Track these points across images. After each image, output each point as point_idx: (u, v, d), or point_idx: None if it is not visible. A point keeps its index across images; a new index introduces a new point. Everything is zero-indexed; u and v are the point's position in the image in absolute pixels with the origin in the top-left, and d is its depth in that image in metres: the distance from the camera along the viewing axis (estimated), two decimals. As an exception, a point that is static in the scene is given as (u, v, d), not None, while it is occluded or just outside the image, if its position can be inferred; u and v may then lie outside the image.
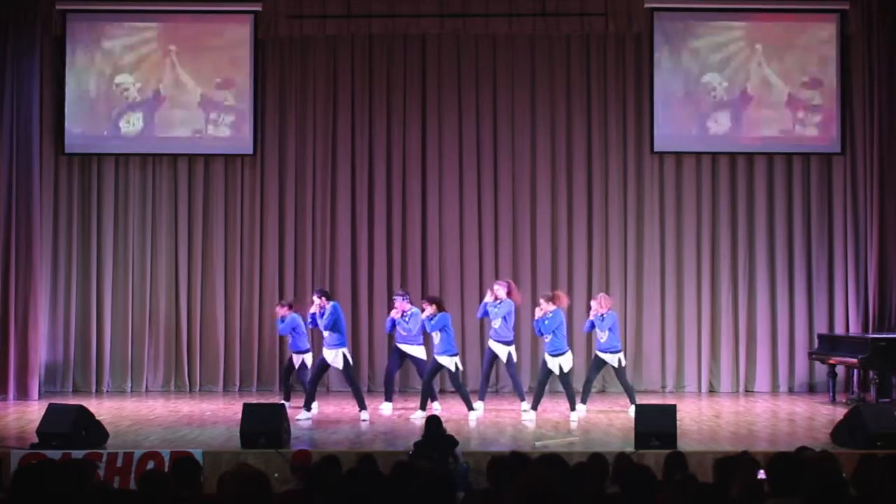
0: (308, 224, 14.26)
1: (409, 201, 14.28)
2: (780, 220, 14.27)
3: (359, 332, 14.02)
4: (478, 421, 11.21)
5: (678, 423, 9.45)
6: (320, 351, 11.72)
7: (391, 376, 12.26)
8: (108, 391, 14.04)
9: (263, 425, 9.28)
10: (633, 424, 9.45)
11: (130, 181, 14.31)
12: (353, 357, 13.96)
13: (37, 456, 8.42)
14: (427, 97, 14.33)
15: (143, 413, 11.94)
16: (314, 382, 11.66)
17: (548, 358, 11.37)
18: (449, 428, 9.11)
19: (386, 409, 11.89)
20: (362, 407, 11.30)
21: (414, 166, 14.31)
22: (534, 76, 14.36)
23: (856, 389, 13.39)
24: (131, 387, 14.10)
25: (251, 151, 14.24)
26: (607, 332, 11.65)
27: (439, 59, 14.37)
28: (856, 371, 13.29)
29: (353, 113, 14.33)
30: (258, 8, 14.15)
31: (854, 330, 13.84)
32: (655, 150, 14.21)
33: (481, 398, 11.96)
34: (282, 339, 13.42)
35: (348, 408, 12.17)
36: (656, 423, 9.31)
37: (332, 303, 11.51)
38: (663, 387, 14.15)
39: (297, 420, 10.97)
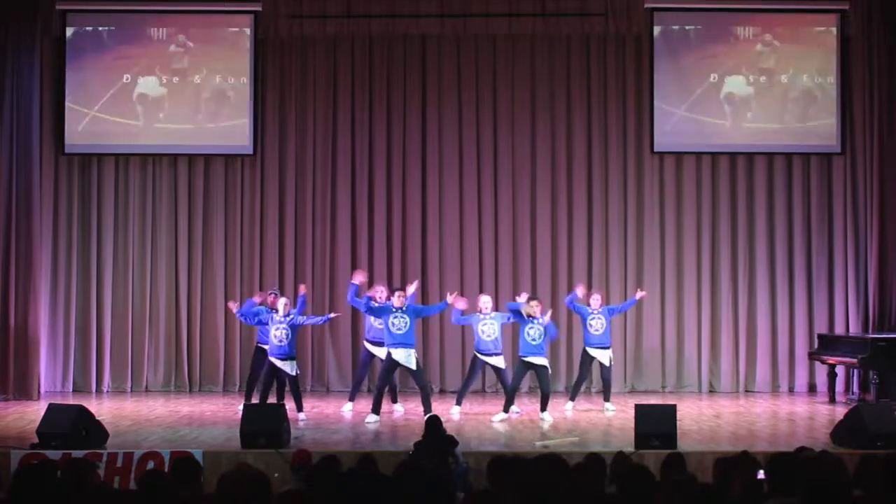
0: (308, 224, 14.26)
1: (408, 201, 14.29)
2: (780, 220, 14.27)
3: (359, 331, 13.98)
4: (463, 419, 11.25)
5: (678, 423, 9.45)
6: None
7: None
8: (108, 391, 14.04)
9: (263, 425, 9.28)
10: (633, 424, 9.45)
11: (130, 181, 14.31)
12: (354, 358, 14.03)
13: (37, 456, 8.41)
14: (427, 97, 14.34)
15: (143, 413, 11.94)
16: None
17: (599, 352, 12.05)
18: (449, 428, 9.11)
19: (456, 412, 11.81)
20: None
21: (414, 166, 14.32)
22: (534, 76, 14.36)
23: (856, 389, 13.40)
24: (131, 387, 14.09)
25: (251, 151, 14.25)
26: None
27: (439, 59, 14.37)
28: (856, 371, 13.30)
29: (353, 113, 14.33)
30: (258, 8, 14.15)
31: (854, 330, 13.84)
32: (655, 150, 14.22)
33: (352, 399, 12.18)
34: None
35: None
36: (656, 424, 9.30)
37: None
38: (663, 387, 14.15)
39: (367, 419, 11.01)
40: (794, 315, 14.17)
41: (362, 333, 13.69)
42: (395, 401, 12.00)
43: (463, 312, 11.70)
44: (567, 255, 14.29)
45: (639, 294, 12.65)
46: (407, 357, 11.23)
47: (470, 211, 14.30)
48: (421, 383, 11.43)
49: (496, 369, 11.68)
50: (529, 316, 11.28)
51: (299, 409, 11.30)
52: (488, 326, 11.46)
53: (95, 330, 14.12)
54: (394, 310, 11.24)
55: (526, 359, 11.31)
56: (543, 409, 11.26)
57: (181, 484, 5.33)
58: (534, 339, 11.26)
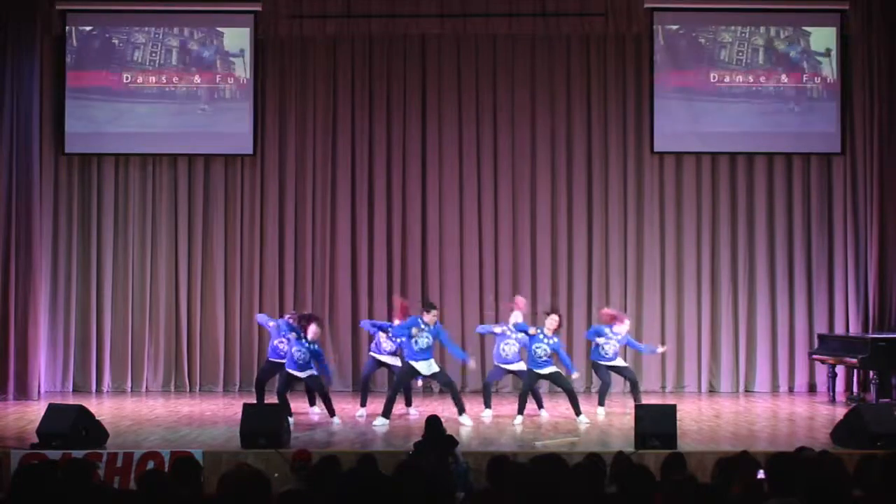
0: (308, 224, 14.27)
1: (408, 201, 14.29)
2: (780, 220, 14.28)
3: (359, 332, 13.99)
4: (481, 421, 11.22)
5: (678, 423, 9.45)
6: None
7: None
8: (108, 391, 14.05)
9: (263, 425, 9.28)
10: (633, 424, 9.44)
11: (130, 181, 14.32)
12: (354, 358, 14.06)
13: (37, 456, 8.42)
14: (427, 97, 14.34)
15: (143, 413, 11.94)
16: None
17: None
18: (449, 428, 9.11)
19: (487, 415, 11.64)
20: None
21: (414, 166, 14.32)
22: (534, 76, 14.36)
23: (856, 389, 13.39)
24: (131, 387, 14.10)
25: (251, 151, 14.25)
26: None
27: (439, 59, 14.37)
28: (856, 371, 13.30)
29: (353, 113, 14.33)
30: (258, 8, 14.16)
31: (854, 330, 13.84)
32: (655, 150, 14.22)
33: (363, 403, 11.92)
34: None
35: (348, 408, 12.17)
36: (656, 424, 9.30)
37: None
38: (663, 387, 14.16)
39: (375, 426, 10.84)
40: (794, 315, 14.17)
41: (363, 334, 13.71)
42: (409, 403, 11.96)
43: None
44: (567, 255, 14.29)
45: (660, 348, 12.68)
46: (428, 367, 11.22)
47: (470, 210, 14.30)
48: (446, 381, 11.31)
49: (518, 373, 11.64)
50: (537, 331, 11.22)
51: (312, 403, 11.72)
52: (510, 346, 11.45)
53: (95, 330, 14.12)
54: (422, 327, 11.11)
55: (535, 370, 11.29)
56: (578, 412, 11.14)
57: (181, 484, 5.33)
58: (540, 357, 11.24)
